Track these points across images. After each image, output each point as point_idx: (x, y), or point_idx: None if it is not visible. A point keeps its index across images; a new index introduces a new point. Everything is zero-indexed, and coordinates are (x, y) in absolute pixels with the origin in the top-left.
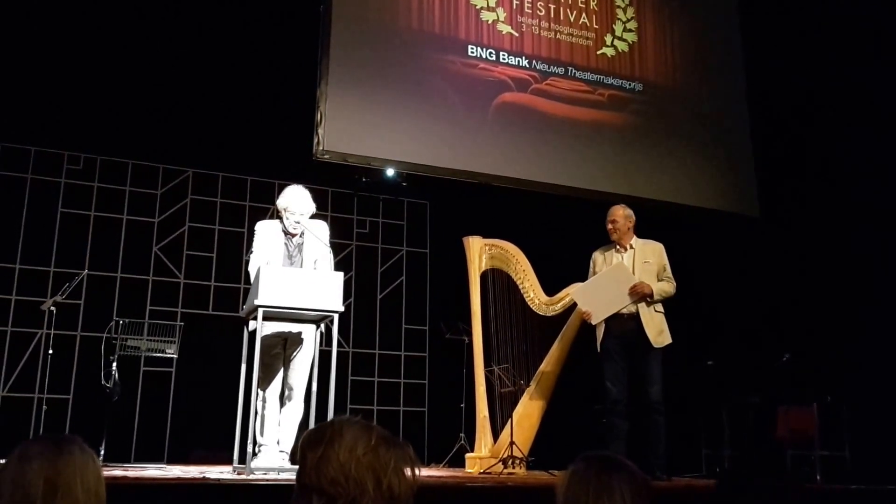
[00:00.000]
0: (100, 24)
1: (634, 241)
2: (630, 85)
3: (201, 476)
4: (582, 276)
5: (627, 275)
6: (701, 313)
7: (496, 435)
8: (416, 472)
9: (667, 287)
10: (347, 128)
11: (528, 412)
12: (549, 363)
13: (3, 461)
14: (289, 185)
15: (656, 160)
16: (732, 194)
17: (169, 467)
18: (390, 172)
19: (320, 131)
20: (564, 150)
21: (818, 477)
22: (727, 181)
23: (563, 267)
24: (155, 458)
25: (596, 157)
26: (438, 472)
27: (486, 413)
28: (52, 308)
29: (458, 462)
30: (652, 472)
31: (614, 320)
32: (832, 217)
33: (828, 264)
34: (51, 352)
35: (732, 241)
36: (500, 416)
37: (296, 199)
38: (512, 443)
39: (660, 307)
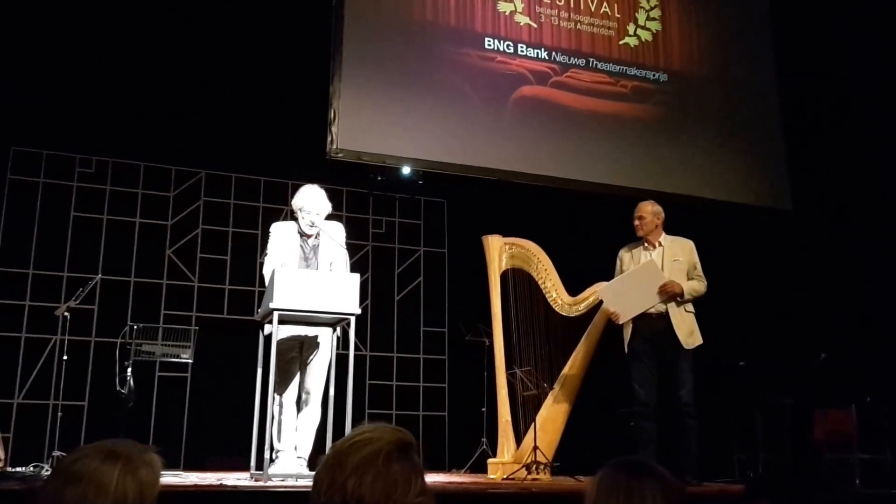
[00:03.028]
0: (108, 26)
1: (663, 238)
2: (654, 75)
3: (219, 483)
4: (606, 275)
5: (657, 273)
6: (733, 312)
7: (519, 440)
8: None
9: (697, 286)
10: (361, 125)
11: (551, 416)
12: (573, 365)
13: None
14: (303, 185)
15: (682, 153)
16: (763, 188)
17: (185, 474)
18: (406, 171)
19: (334, 129)
20: (586, 144)
21: (857, 481)
22: (758, 174)
23: (587, 266)
24: (171, 465)
25: (619, 151)
26: (460, 477)
27: (509, 417)
28: (66, 313)
29: (481, 468)
30: (683, 477)
31: (642, 320)
32: (869, 210)
33: (865, 259)
34: (65, 358)
35: (764, 237)
36: (523, 420)
37: (311, 199)
38: (536, 448)
39: (690, 307)
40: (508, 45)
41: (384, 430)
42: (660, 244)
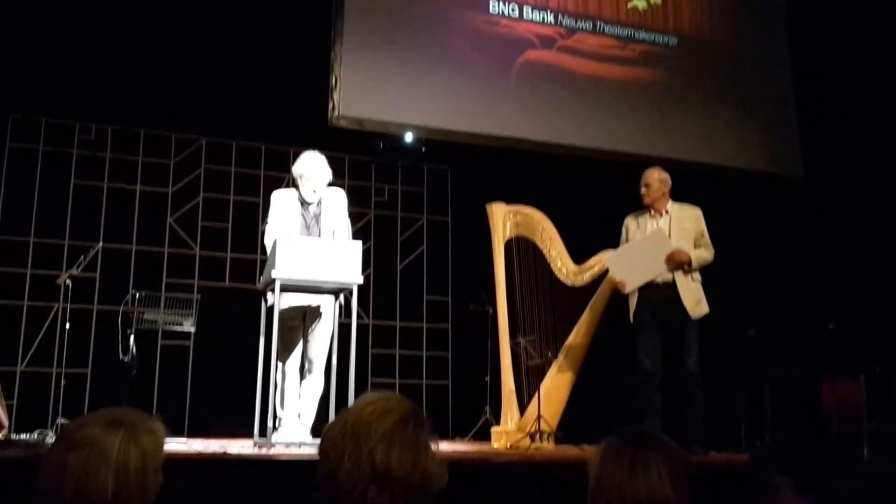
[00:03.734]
0: None
1: (670, 205)
2: (663, 39)
3: (222, 450)
4: (612, 243)
5: (665, 242)
6: (741, 281)
7: (523, 409)
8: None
9: (705, 254)
10: (363, 92)
11: (555, 385)
12: (577, 335)
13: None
14: (304, 152)
15: (692, 119)
16: (774, 154)
17: (190, 441)
18: (409, 138)
19: (335, 96)
20: (593, 110)
21: (865, 451)
22: (768, 140)
23: (592, 234)
24: (175, 432)
25: (626, 117)
26: (464, 446)
27: (513, 386)
28: (68, 282)
29: (484, 436)
30: (689, 446)
31: (649, 289)
32: (882, 177)
33: (877, 227)
34: (68, 326)
35: (774, 204)
36: (527, 389)
37: (311, 166)
38: (539, 416)
39: (697, 275)
40: (513, 9)
41: (397, 399)
42: (666, 212)
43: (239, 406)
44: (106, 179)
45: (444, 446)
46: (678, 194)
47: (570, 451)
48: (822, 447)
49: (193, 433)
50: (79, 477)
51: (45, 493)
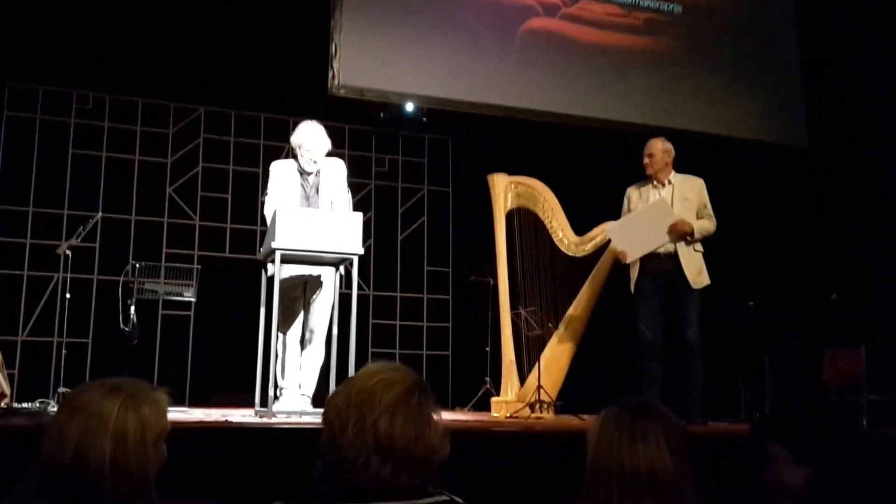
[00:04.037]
0: None
1: (673, 176)
2: (668, 7)
3: (224, 419)
4: (613, 214)
5: (669, 212)
6: (743, 252)
7: (523, 379)
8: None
9: (707, 225)
10: (364, 60)
11: (556, 356)
12: (578, 306)
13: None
14: (303, 122)
15: (696, 89)
16: (779, 124)
17: (191, 410)
18: (410, 107)
19: (335, 65)
20: (596, 79)
21: (864, 422)
22: (773, 110)
23: (594, 205)
24: (177, 402)
25: (630, 86)
26: (464, 415)
27: (513, 357)
28: (68, 251)
29: (484, 407)
30: (688, 416)
31: (650, 259)
32: (887, 148)
33: (881, 199)
34: (68, 296)
35: (778, 175)
36: (527, 360)
37: (310, 136)
38: (539, 387)
39: (699, 246)
40: None
41: (402, 370)
42: (669, 182)
43: (240, 376)
44: (104, 149)
45: (445, 416)
46: (680, 165)
47: (569, 420)
48: (820, 419)
49: (194, 403)
50: (78, 441)
51: (46, 460)
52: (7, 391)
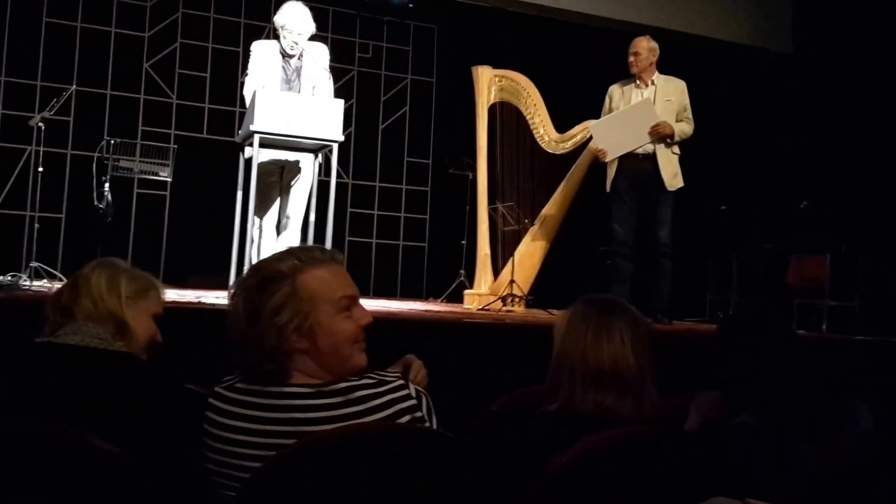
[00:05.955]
0: None
1: (656, 76)
2: None
3: (197, 300)
4: (595, 113)
5: (652, 113)
6: (718, 156)
7: (496, 273)
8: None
9: (686, 128)
10: None
11: (530, 252)
12: (554, 203)
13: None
14: (287, 1)
15: None
16: (764, 28)
17: (164, 290)
18: None
19: None
20: None
21: (824, 326)
22: (759, 13)
23: (577, 102)
24: None
25: None
26: (437, 306)
27: (488, 251)
28: (41, 124)
29: (457, 299)
30: (654, 314)
31: (628, 160)
32: (872, 56)
33: (860, 108)
34: (41, 169)
35: (760, 80)
36: (502, 254)
37: (294, 17)
38: (512, 281)
39: (676, 149)
40: None
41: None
42: (652, 83)
43: (215, 258)
44: (79, 19)
45: (417, 306)
46: (661, 65)
47: (539, 315)
48: (781, 320)
49: (169, 282)
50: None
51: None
52: None
